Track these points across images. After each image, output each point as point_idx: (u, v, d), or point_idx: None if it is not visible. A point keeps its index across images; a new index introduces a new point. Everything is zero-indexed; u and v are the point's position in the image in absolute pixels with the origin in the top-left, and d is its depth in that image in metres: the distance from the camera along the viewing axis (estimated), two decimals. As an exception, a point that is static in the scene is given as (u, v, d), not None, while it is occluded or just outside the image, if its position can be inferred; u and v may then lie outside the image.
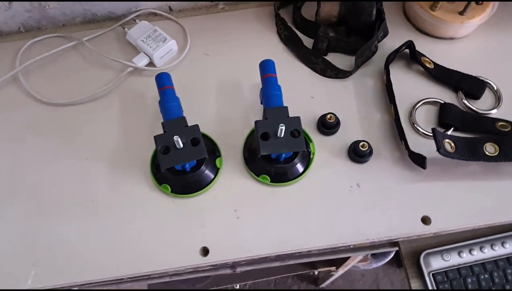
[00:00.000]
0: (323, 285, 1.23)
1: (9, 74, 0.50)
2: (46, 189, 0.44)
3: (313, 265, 1.03)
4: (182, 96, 0.45)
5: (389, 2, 0.56)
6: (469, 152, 0.41)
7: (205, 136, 0.46)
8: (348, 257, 0.88)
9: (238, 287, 1.07)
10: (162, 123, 0.41)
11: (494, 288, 0.57)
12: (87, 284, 0.42)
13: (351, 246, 0.43)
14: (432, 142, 0.42)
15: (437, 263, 0.59)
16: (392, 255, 1.22)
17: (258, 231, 0.41)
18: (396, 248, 0.67)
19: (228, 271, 0.64)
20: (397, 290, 1.25)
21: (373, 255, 1.19)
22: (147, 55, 0.50)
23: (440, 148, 0.40)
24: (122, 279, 0.42)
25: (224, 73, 0.51)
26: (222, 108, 0.49)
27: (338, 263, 0.97)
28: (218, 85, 0.51)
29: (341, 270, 1.02)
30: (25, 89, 0.50)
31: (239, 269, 0.64)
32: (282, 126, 0.39)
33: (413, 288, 0.57)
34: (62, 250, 0.41)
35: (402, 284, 1.27)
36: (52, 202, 0.43)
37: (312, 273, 1.26)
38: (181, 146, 0.39)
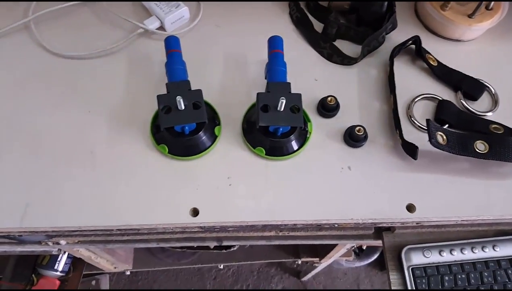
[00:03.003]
0: (305, 278, 1.25)
1: (21, 21, 0.51)
2: (45, 136, 0.45)
3: (297, 254, 1.05)
4: (188, 63, 0.46)
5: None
6: (459, 146, 0.42)
7: (206, 104, 0.47)
8: (332, 249, 0.90)
9: (221, 266, 1.08)
10: (166, 84, 0.42)
11: (469, 288, 0.58)
12: (77, 231, 0.43)
13: (336, 225, 0.44)
14: (425, 136, 0.43)
15: (418, 258, 0.61)
16: (375, 256, 1.24)
17: (248, 199, 0.42)
18: (380, 241, 0.69)
19: (215, 243, 0.65)
20: (378, 290, 1.27)
21: (357, 254, 1.21)
22: (158, 18, 0.51)
23: (432, 138, 0.41)
24: (112, 230, 0.43)
25: (232, 46, 0.52)
26: (226, 80, 0.50)
27: (322, 254, 0.99)
28: (225, 57, 0.51)
29: (324, 262, 1.03)
30: (36, 38, 0.51)
31: (225, 242, 0.65)
32: (283, 99, 0.40)
33: (391, 279, 0.59)
34: (55, 195, 0.42)
35: (382, 286, 1.29)
36: (50, 148, 0.44)
37: (295, 264, 1.28)
38: (183, 107, 0.40)
